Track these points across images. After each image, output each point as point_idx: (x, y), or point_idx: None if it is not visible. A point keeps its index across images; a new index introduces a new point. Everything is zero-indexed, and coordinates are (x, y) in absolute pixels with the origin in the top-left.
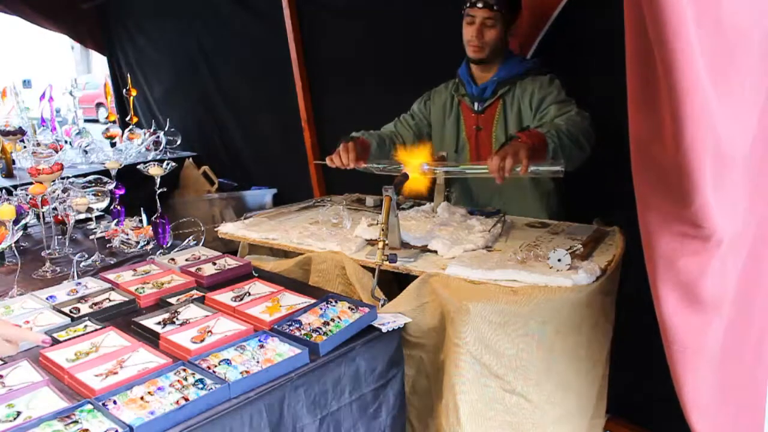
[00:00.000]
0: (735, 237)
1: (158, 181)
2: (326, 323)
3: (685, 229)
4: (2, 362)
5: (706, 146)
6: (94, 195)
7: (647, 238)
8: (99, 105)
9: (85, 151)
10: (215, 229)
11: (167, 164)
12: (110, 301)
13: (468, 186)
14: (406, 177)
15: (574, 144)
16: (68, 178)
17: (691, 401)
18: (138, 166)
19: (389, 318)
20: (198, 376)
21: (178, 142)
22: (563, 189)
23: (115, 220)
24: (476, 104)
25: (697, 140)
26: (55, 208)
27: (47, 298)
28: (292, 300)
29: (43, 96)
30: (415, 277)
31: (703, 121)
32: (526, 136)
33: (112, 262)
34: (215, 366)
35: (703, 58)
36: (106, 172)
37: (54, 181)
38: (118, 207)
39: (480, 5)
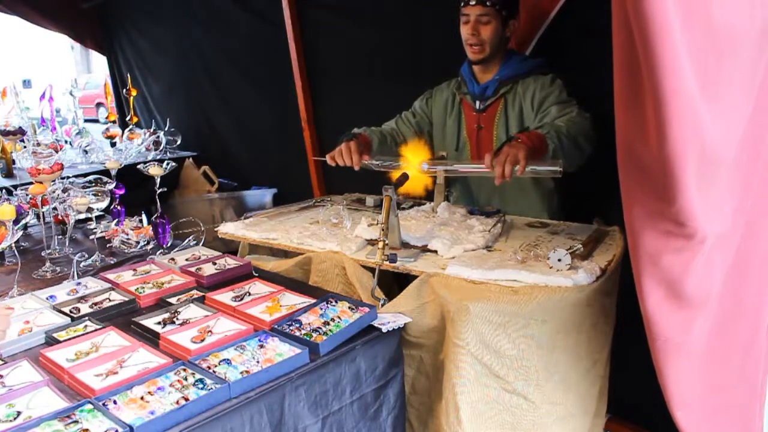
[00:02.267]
0: (722, 236)
1: (158, 181)
2: (326, 323)
3: (669, 227)
4: (2, 362)
5: (689, 147)
6: (94, 195)
7: (632, 234)
8: (99, 105)
9: (85, 151)
10: (215, 229)
11: (167, 164)
12: (110, 301)
13: (468, 186)
14: (406, 177)
15: (574, 145)
16: (68, 178)
17: (675, 396)
18: (138, 166)
19: (389, 318)
20: (198, 376)
21: (178, 142)
22: (564, 189)
23: (115, 220)
24: (478, 103)
25: (681, 141)
26: (55, 208)
27: (47, 298)
28: (292, 300)
29: (43, 96)
30: (415, 277)
31: (687, 123)
32: (525, 137)
33: (112, 262)
34: (215, 366)
35: (691, 61)
36: (106, 172)
37: (54, 181)
38: (118, 207)
39: (473, 2)
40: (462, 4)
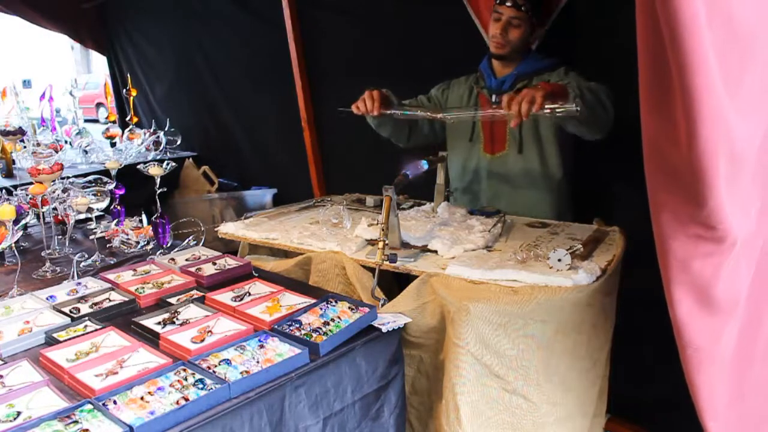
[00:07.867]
0: (748, 238)
1: (158, 181)
2: (326, 323)
3: (699, 230)
4: (2, 362)
5: (719, 147)
6: (94, 195)
7: (660, 239)
8: (99, 105)
9: (85, 151)
10: (215, 229)
11: (167, 164)
12: (110, 301)
13: (468, 186)
14: (406, 177)
15: (596, 100)
16: (68, 178)
17: (707, 406)
18: (138, 166)
19: (389, 318)
20: (198, 376)
21: (178, 142)
22: (571, 187)
23: (115, 220)
24: (494, 96)
25: (711, 141)
26: (55, 208)
27: (47, 298)
28: (292, 300)
29: (43, 96)
30: (415, 277)
31: (717, 122)
32: (545, 83)
33: (112, 262)
34: (215, 366)
35: (716, 59)
36: (106, 172)
37: (54, 181)
38: (118, 207)
39: (508, 4)
40: (497, 1)
